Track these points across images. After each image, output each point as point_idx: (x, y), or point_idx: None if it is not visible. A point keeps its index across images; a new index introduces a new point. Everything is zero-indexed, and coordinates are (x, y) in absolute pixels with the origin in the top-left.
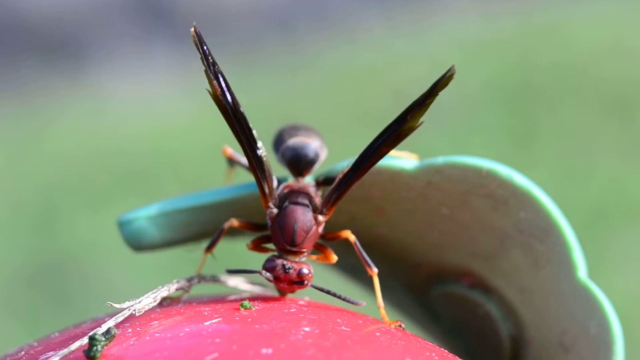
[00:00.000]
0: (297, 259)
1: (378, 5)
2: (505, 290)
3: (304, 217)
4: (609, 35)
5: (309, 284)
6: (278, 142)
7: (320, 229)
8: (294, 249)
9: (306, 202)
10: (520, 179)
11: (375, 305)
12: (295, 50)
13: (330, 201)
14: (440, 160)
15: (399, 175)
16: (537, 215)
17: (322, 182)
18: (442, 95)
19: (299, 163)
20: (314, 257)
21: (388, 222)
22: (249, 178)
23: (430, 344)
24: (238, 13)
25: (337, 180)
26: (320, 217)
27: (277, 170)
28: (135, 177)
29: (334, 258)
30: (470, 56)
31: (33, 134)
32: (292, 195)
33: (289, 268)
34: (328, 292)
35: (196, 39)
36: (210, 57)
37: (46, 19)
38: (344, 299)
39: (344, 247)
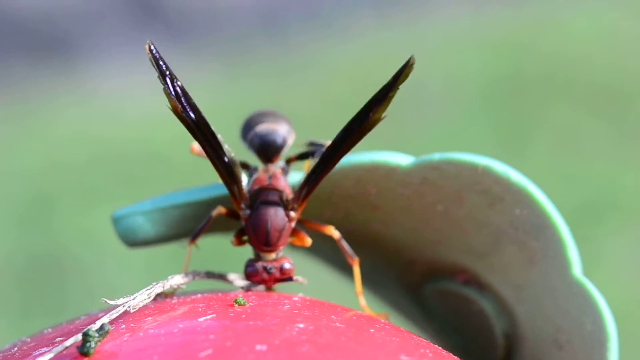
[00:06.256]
0: (274, 256)
1: (372, 4)
2: (499, 287)
3: (275, 217)
4: (602, 29)
5: (293, 276)
6: (245, 130)
7: (293, 224)
8: (270, 249)
9: (277, 199)
10: (516, 176)
11: (372, 302)
12: (288, 49)
13: (300, 197)
14: (436, 156)
15: (395, 172)
16: (532, 212)
17: (297, 158)
18: (435, 92)
19: (267, 150)
20: (290, 239)
21: (383, 219)
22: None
23: (425, 340)
24: (230, 11)
25: (304, 176)
26: (292, 214)
27: (247, 156)
28: (126, 173)
29: (309, 241)
30: (463, 55)
31: (24, 130)
32: (263, 194)
33: (271, 268)
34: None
35: (151, 56)
36: (168, 73)
37: (37, 15)
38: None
39: (336, 245)
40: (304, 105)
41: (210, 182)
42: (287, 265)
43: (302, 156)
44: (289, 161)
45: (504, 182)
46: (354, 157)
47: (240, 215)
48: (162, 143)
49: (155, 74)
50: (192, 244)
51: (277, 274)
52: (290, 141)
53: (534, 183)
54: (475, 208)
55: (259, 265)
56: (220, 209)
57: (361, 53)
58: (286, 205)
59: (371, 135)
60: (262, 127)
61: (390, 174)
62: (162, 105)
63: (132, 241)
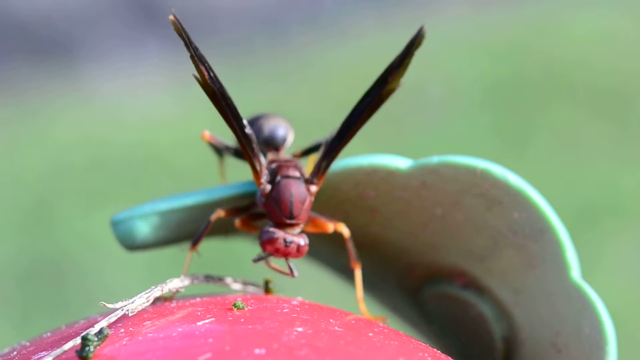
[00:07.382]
0: (294, 231)
1: (371, 6)
2: (498, 291)
3: (298, 189)
4: (602, 32)
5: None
6: (249, 125)
7: (312, 199)
8: (292, 222)
9: (297, 174)
10: (514, 179)
11: (371, 305)
12: (288, 51)
13: (320, 170)
14: (434, 159)
15: (394, 175)
16: (530, 215)
17: (301, 154)
18: (434, 94)
19: (274, 138)
20: (310, 228)
21: (382, 222)
22: (240, 175)
23: (423, 344)
24: (231, 13)
25: (323, 148)
26: (312, 188)
27: None
28: (126, 176)
29: (330, 227)
30: (463, 57)
31: (24, 133)
32: (282, 169)
33: (291, 242)
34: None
35: (177, 25)
36: (193, 43)
37: (37, 17)
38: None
39: (337, 248)
40: (305, 106)
41: (209, 185)
42: (302, 242)
43: (307, 151)
44: (294, 156)
45: (502, 185)
46: (353, 161)
47: (260, 190)
48: (162, 146)
49: (157, 74)
50: (193, 250)
51: (294, 250)
52: (291, 137)
53: (534, 186)
54: (473, 211)
55: (279, 234)
56: (219, 213)
57: (361, 55)
58: (305, 179)
59: (370, 137)
60: (267, 119)
61: (388, 177)
62: (162, 108)
63: (131, 245)
